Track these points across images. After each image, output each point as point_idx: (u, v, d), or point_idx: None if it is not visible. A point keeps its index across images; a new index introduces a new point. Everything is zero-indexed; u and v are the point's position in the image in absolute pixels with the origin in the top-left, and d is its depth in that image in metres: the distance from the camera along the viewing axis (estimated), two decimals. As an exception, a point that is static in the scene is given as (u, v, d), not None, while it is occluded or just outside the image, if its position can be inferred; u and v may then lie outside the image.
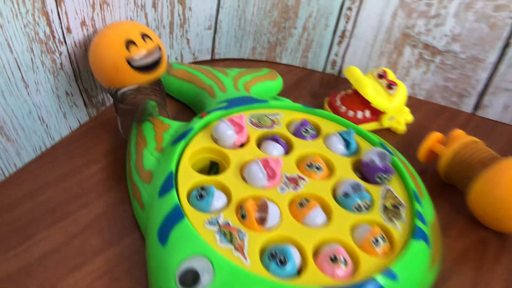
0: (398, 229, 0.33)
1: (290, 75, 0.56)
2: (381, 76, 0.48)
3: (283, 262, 0.29)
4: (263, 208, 0.31)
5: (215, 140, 0.37)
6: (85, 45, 0.41)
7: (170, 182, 0.33)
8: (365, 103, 0.48)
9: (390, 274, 0.30)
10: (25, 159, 0.40)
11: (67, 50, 0.39)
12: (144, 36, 0.38)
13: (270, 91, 0.50)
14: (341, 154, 0.39)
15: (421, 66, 0.54)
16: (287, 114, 0.42)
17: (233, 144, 0.37)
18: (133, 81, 0.38)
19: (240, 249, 0.30)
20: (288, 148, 0.39)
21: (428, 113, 0.53)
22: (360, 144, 0.40)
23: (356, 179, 0.36)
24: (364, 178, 0.37)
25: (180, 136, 0.37)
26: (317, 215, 0.33)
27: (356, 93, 0.49)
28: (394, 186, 0.36)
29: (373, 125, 0.49)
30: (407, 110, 0.51)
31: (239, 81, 0.48)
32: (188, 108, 0.49)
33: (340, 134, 0.39)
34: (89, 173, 0.40)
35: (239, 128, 0.37)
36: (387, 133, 0.49)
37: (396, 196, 0.35)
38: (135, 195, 0.36)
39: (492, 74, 0.51)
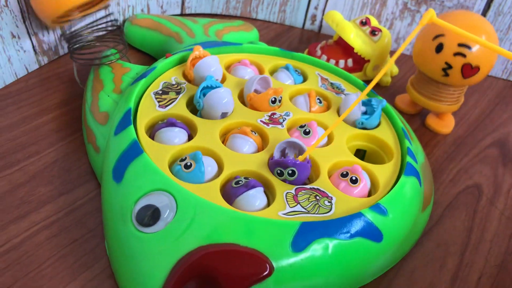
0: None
1: (267, 31, 0.52)
2: (364, 23, 0.45)
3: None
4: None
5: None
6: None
7: (128, 119, 0.29)
8: (347, 52, 0.45)
9: (379, 209, 0.26)
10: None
11: (13, -16, 0.35)
12: None
13: (244, 42, 0.46)
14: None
15: (406, 17, 0.50)
16: (267, 60, 0.38)
17: None
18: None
19: None
20: None
21: (414, 67, 0.50)
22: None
23: None
24: None
25: (141, 76, 0.33)
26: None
27: (337, 43, 0.46)
28: (382, 128, 0.33)
29: (356, 76, 0.45)
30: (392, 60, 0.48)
31: (210, 28, 0.44)
32: (153, 59, 0.45)
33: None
34: (39, 123, 0.35)
35: None
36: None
37: None
38: (90, 140, 0.32)
39: (480, 22, 0.48)
